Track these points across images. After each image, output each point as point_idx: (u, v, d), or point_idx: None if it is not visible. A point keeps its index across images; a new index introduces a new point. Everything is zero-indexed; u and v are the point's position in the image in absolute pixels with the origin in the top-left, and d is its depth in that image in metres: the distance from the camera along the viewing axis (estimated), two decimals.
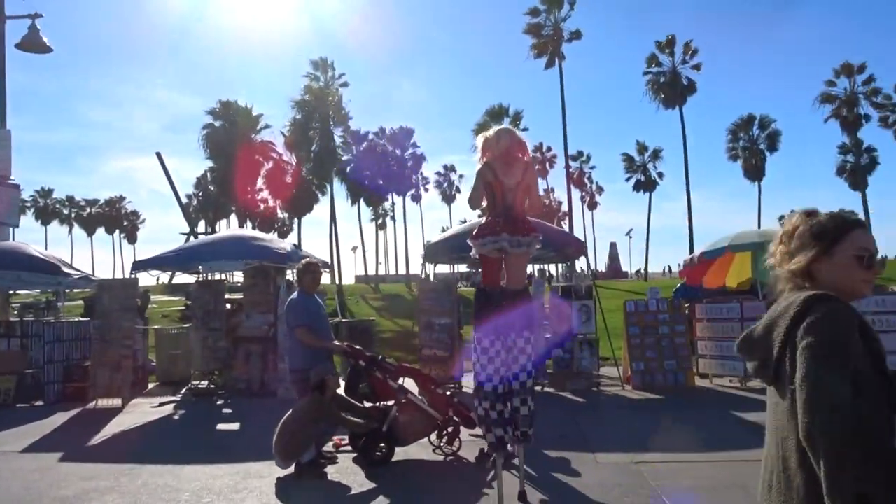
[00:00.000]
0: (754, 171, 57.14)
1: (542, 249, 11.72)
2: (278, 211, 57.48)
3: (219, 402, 10.95)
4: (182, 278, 19.00)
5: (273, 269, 11.69)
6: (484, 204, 5.42)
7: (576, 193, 74.75)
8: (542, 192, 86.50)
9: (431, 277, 12.52)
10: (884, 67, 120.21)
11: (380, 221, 74.64)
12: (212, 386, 11.88)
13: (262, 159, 50.07)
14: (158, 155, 35.38)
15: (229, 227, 66.75)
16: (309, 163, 47.55)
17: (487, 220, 5.28)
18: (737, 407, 8.96)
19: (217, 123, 50.07)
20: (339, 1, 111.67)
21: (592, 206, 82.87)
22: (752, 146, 57.20)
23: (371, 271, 71.85)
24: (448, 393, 6.87)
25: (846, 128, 55.91)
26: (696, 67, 53.34)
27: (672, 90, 52.95)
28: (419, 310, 11.20)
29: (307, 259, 7.22)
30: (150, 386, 12.94)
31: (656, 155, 59.79)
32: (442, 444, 6.85)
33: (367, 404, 6.80)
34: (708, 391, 10.47)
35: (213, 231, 58.20)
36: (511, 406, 5.06)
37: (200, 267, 13.24)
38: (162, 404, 10.85)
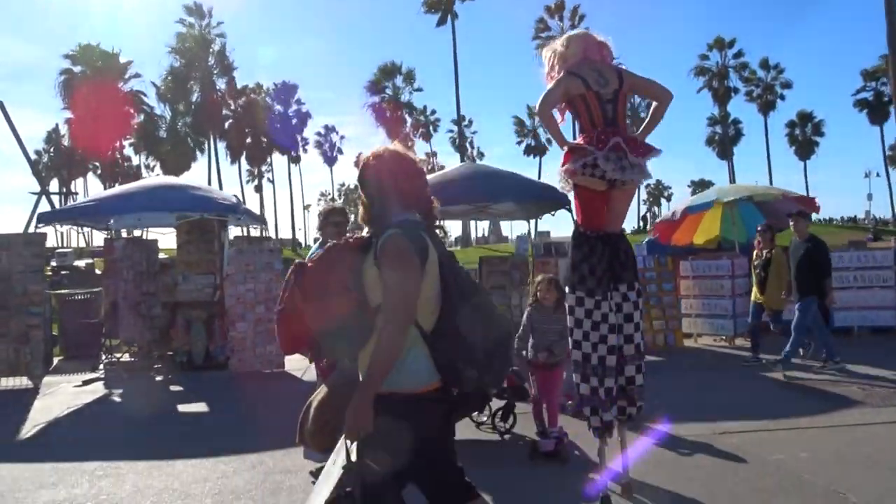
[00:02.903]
0: None
1: (520, 202, 10.85)
2: (143, 169, 52.95)
3: (158, 378, 9.27)
4: None
5: (216, 223, 10.02)
6: (557, 116, 4.13)
7: (456, 158, 74.52)
8: (424, 156, 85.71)
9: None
10: (752, 43, 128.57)
11: (256, 183, 71.07)
12: (133, 359, 10.12)
13: (133, 111, 45.52)
14: (1, 105, 30.71)
15: (87, 186, 61.13)
16: (187, 116, 43.73)
17: (586, 141, 3.99)
18: (749, 367, 8.56)
19: (77, 69, 44.87)
20: None
21: None
22: (633, 115, 59.22)
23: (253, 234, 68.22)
24: None
25: (717, 100, 59.21)
26: None
27: None
28: None
29: (331, 205, 5.85)
30: (56, 361, 10.94)
31: None
32: (495, 421, 5.85)
33: None
34: (703, 351, 10.09)
35: (69, 191, 52.59)
36: (625, 377, 4.12)
37: (112, 221, 11.26)
38: (86, 382, 9.03)
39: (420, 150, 72.11)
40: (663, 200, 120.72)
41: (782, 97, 60.49)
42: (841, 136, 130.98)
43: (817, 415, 6.05)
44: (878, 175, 68.22)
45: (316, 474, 5.01)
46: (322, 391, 5.18)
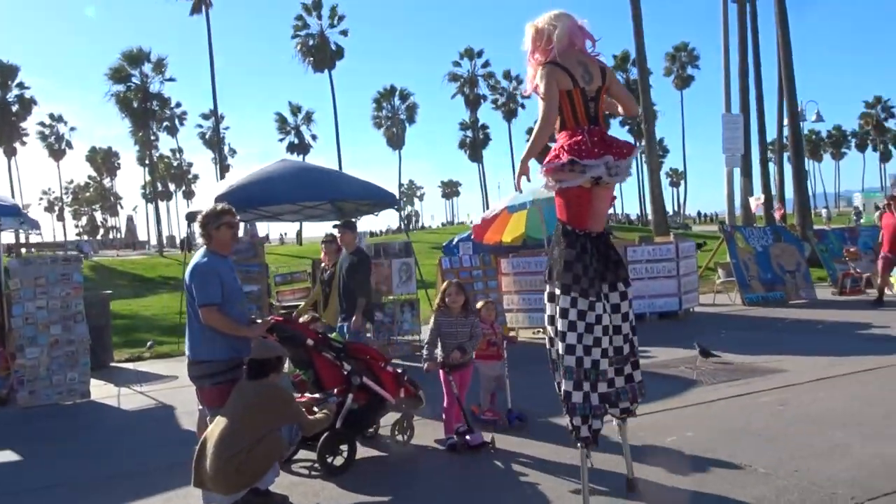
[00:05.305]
0: (396, 140, 60.97)
1: (357, 201, 10.53)
2: None
3: None
4: None
5: None
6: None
7: (208, 155, 70.50)
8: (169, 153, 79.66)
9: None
10: (498, 54, 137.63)
11: None
12: None
13: None
14: None
15: None
16: None
17: (574, 140, 3.84)
18: None
19: None
20: None
21: (225, 169, 79.29)
22: (394, 116, 60.89)
23: None
24: (399, 370, 5.56)
25: (468, 105, 63.11)
26: (344, 33, 54.34)
27: (321, 54, 53.12)
28: None
29: (222, 206, 5.01)
30: None
31: (309, 118, 59.35)
32: (395, 433, 5.59)
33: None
34: (529, 344, 10.56)
35: None
36: (624, 376, 4.06)
37: None
38: None
39: (164, 145, 67.03)
40: (416, 199, 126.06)
41: (523, 106, 66.25)
42: None
43: (671, 396, 6.64)
44: None
45: None
46: (219, 423, 4.53)
